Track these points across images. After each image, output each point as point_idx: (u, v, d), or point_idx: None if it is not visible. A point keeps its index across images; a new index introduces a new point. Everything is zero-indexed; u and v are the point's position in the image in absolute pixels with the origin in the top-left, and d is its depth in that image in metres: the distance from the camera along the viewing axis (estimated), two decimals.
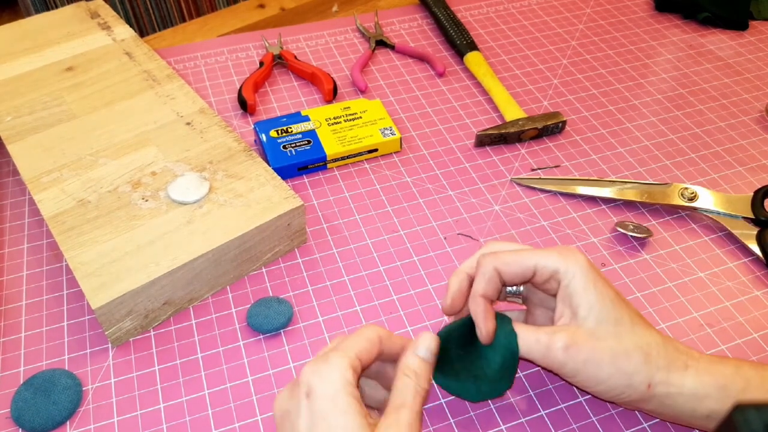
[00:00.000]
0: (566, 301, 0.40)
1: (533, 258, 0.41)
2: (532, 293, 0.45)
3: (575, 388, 0.45)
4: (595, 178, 0.61)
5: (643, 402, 0.39)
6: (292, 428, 0.35)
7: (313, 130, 0.63)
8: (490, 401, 0.45)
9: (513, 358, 0.40)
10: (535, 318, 0.45)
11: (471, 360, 0.42)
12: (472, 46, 0.76)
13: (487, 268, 0.41)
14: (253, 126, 0.65)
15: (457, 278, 0.43)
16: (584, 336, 0.39)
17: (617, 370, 0.38)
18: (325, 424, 0.33)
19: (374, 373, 0.40)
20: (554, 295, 0.42)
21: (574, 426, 0.44)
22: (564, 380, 0.43)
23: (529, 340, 0.40)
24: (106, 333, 0.46)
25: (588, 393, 0.43)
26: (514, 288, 0.46)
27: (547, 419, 0.44)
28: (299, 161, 0.60)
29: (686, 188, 0.58)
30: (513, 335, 0.40)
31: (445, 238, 0.56)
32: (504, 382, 0.41)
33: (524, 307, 0.47)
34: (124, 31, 0.69)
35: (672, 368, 0.39)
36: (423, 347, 0.38)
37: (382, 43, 0.78)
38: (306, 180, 0.61)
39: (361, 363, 0.36)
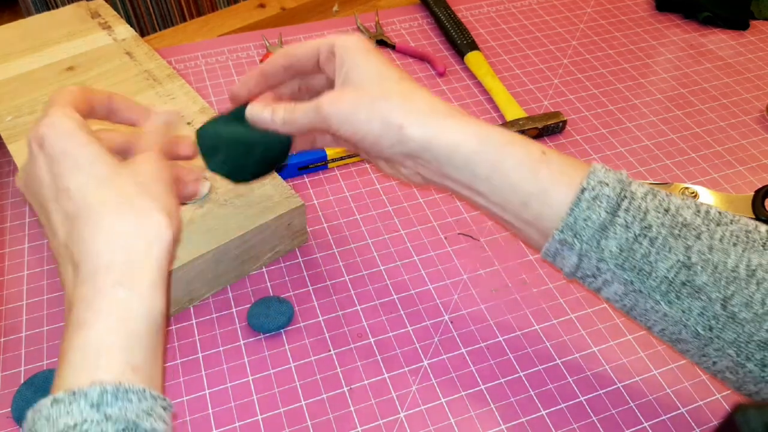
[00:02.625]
0: (341, 74, 0.41)
1: (316, 41, 0.43)
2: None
3: (576, 390, 0.46)
4: None
5: (403, 146, 0.39)
6: (38, 187, 0.36)
7: None
8: (490, 402, 0.45)
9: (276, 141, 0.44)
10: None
11: (239, 139, 0.44)
12: (473, 46, 0.76)
13: (278, 53, 0.45)
14: None
15: (252, 71, 0.46)
16: (349, 90, 0.40)
17: (374, 112, 0.39)
18: (69, 160, 0.35)
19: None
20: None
21: (575, 426, 0.44)
22: (336, 139, 0.45)
23: (304, 108, 0.41)
24: None
25: (357, 151, 0.45)
26: None
27: (547, 419, 0.44)
28: (300, 161, 0.60)
29: (687, 188, 0.58)
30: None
31: (445, 238, 0.56)
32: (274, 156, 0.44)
33: None
34: (124, 30, 0.69)
35: (434, 115, 0.39)
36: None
37: (382, 43, 0.78)
38: (307, 180, 0.61)
39: (79, 110, 0.38)
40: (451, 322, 0.50)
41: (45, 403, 0.30)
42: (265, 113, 0.43)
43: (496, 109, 0.69)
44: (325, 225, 0.57)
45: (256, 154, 0.44)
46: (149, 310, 0.33)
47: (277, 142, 0.44)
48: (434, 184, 0.41)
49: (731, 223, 0.35)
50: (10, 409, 0.44)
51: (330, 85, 0.44)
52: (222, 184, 0.53)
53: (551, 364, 0.47)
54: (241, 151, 0.44)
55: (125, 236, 0.34)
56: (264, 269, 0.53)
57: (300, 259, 0.54)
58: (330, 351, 0.48)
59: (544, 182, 0.37)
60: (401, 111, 0.38)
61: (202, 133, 0.45)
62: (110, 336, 0.32)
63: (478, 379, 0.46)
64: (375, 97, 0.39)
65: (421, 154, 0.39)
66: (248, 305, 0.50)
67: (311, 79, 0.46)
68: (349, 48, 0.41)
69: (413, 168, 0.40)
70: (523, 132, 0.64)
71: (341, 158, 0.62)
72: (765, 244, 0.35)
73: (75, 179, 0.35)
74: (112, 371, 0.31)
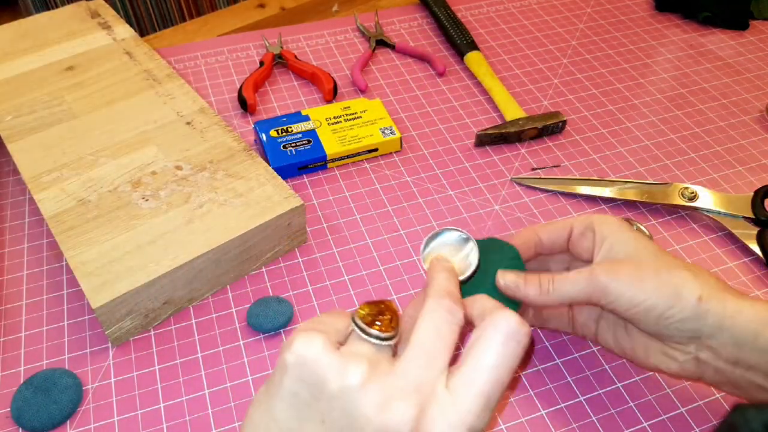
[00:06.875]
0: (602, 248, 0.40)
1: (567, 220, 0.43)
2: None
3: (576, 390, 0.45)
4: (596, 177, 0.61)
5: (697, 321, 0.36)
6: None
7: (313, 129, 0.63)
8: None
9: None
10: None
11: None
12: (473, 46, 0.76)
13: (528, 232, 0.44)
14: (253, 125, 0.65)
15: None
16: (625, 261, 0.38)
17: (662, 282, 0.36)
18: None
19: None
20: (590, 260, 0.41)
21: (574, 426, 0.44)
22: (609, 312, 0.41)
23: (572, 279, 0.39)
24: (106, 332, 0.46)
25: (632, 324, 0.40)
26: None
27: (547, 419, 0.44)
28: (299, 161, 0.60)
29: (686, 188, 0.58)
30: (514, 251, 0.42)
31: None
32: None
33: None
34: (124, 30, 0.69)
35: (725, 293, 0.36)
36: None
37: (382, 43, 0.78)
38: (306, 180, 0.61)
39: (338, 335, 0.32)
40: None
41: None
42: (518, 283, 0.40)
43: (496, 109, 0.69)
44: (324, 225, 0.57)
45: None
46: None
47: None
48: (708, 378, 0.38)
49: None
50: (9, 408, 0.44)
51: (567, 266, 0.44)
52: (221, 184, 0.53)
53: (550, 364, 0.47)
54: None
55: None
56: (263, 269, 0.53)
57: (299, 259, 0.54)
58: None
59: None
60: (696, 283, 0.36)
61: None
62: None
63: None
64: (659, 269, 0.37)
65: (716, 333, 0.36)
66: (248, 305, 0.50)
67: (549, 260, 0.45)
68: (611, 223, 0.41)
69: (694, 352, 0.37)
70: (522, 132, 0.64)
71: (341, 158, 0.62)
72: None
73: None
74: None
